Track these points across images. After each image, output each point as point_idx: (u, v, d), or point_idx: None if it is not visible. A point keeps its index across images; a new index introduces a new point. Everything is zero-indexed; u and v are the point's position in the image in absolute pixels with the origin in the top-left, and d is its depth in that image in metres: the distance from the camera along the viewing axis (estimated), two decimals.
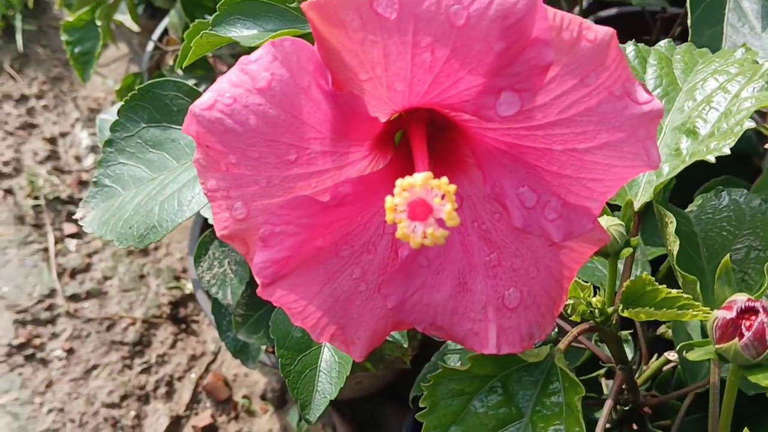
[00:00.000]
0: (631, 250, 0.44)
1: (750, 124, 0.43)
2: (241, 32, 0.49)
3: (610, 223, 0.45)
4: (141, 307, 1.34)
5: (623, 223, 0.44)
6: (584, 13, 1.03)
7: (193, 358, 1.30)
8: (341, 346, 0.43)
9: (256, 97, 0.37)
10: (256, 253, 0.40)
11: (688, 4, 0.62)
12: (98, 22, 0.95)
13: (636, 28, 1.02)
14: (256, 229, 0.40)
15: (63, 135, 1.59)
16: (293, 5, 0.47)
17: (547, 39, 0.35)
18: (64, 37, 1.00)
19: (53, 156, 1.54)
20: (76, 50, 1.00)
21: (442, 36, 0.34)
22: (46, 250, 1.39)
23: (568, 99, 0.36)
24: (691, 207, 0.56)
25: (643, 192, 0.48)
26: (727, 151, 0.43)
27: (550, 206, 0.40)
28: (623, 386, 0.54)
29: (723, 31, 0.63)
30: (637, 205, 0.47)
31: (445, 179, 0.35)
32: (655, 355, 0.65)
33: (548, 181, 0.40)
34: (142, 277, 1.39)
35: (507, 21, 0.33)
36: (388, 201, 0.34)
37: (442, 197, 0.34)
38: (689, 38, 0.61)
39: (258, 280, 0.40)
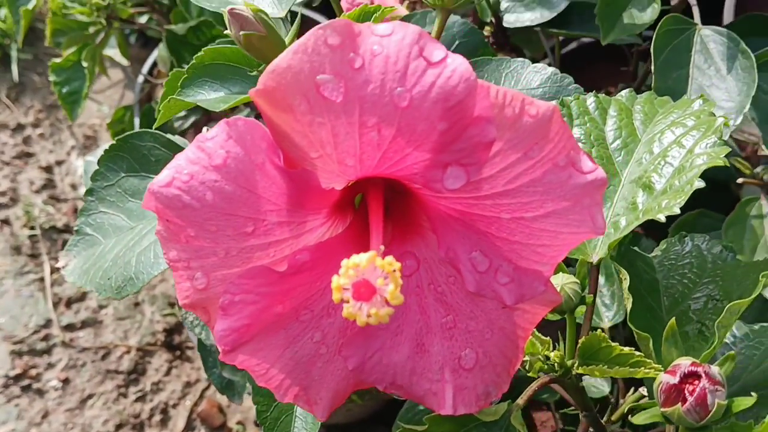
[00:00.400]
0: (584, 308, 0.45)
1: (699, 184, 0.44)
2: (209, 95, 0.50)
3: (564, 281, 0.46)
4: (136, 335, 1.36)
5: (578, 281, 0.46)
6: (564, 42, 1.04)
7: (188, 384, 1.31)
8: (304, 406, 0.44)
9: (213, 174, 0.38)
10: (216, 321, 0.41)
11: (652, 50, 0.63)
12: (84, 63, 0.96)
13: (616, 57, 1.03)
14: (216, 299, 0.41)
15: (59, 163, 1.61)
16: (253, 74, 0.49)
17: (489, 117, 0.36)
18: (52, 78, 1.01)
19: (49, 185, 1.56)
20: (64, 90, 1.01)
21: (387, 116, 0.35)
22: (42, 279, 1.41)
23: (513, 171, 0.38)
24: (656, 251, 0.57)
25: (601, 245, 0.49)
26: (677, 210, 0.44)
27: (502, 270, 0.41)
28: (590, 430, 0.55)
29: (689, 73, 0.64)
30: (594, 259, 0.48)
31: (389, 259, 0.36)
32: (632, 389, 0.66)
33: (499, 246, 0.41)
34: (137, 304, 1.40)
35: (448, 103, 0.35)
36: (334, 281, 0.36)
37: (386, 277, 0.35)
38: (653, 84, 0.63)
39: (219, 348, 0.41)
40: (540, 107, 0.37)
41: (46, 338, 1.33)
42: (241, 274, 0.41)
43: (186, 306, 0.42)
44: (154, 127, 0.55)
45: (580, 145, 0.52)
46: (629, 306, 0.45)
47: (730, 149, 0.46)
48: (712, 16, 0.96)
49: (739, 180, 0.76)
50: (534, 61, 1.07)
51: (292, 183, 0.39)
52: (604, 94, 0.80)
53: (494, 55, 0.76)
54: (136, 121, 1.19)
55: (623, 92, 0.56)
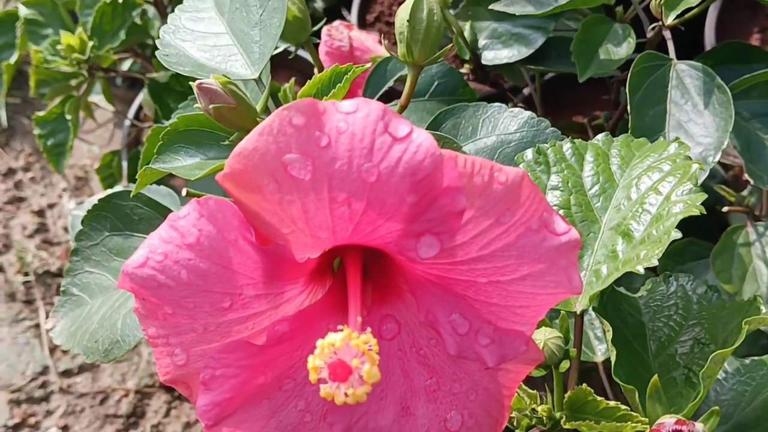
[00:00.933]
0: (568, 363, 0.45)
1: (676, 235, 0.44)
2: (185, 161, 0.50)
3: (548, 335, 0.46)
4: (134, 377, 1.35)
5: (561, 335, 0.45)
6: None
7: (188, 425, 1.30)
8: None
9: (186, 253, 0.38)
10: (198, 396, 0.41)
11: (627, 89, 0.63)
12: (68, 116, 0.97)
13: (598, 82, 1.03)
14: (197, 374, 0.41)
15: (51, 206, 1.61)
16: (225, 144, 0.49)
17: (459, 186, 0.36)
18: (36, 131, 1.02)
19: (42, 229, 1.56)
20: (49, 143, 1.02)
21: (356, 191, 0.35)
22: (37, 326, 1.40)
23: (486, 237, 0.38)
24: (642, 291, 0.57)
25: (584, 295, 0.49)
26: (655, 262, 0.44)
27: (482, 332, 0.41)
28: None
29: (666, 109, 0.64)
30: (578, 309, 0.48)
31: (364, 337, 0.36)
32: None
33: (478, 309, 0.41)
34: (134, 346, 1.40)
35: (416, 177, 0.35)
36: (310, 361, 0.36)
37: (362, 356, 0.35)
38: (630, 123, 0.63)
39: (202, 423, 0.41)
40: (509, 174, 0.37)
41: (43, 385, 1.33)
42: (221, 348, 0.40)
43: (167, 382, 0.42)
44: (131, 196, 0.55)
45: (558, 192, 0.53)
46: (613, 359, 0.45)
47: (707, 196, 0.46)
48: (693, 45, 0.96)
49: (725, 208, 0.76)
50: (516, 89, 1.08)
51: (266, 257, 0.39)
52: (586, 123, 0.80)
53: (473, 93, 0.76)
54: (124, 165, 1.19)
55: (599, 136, 0.56)
